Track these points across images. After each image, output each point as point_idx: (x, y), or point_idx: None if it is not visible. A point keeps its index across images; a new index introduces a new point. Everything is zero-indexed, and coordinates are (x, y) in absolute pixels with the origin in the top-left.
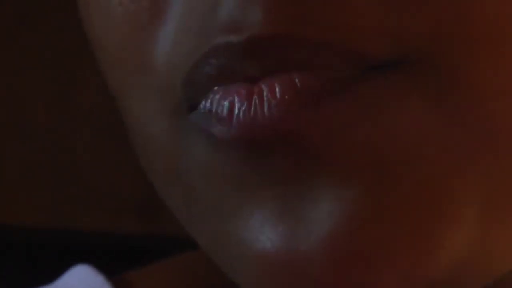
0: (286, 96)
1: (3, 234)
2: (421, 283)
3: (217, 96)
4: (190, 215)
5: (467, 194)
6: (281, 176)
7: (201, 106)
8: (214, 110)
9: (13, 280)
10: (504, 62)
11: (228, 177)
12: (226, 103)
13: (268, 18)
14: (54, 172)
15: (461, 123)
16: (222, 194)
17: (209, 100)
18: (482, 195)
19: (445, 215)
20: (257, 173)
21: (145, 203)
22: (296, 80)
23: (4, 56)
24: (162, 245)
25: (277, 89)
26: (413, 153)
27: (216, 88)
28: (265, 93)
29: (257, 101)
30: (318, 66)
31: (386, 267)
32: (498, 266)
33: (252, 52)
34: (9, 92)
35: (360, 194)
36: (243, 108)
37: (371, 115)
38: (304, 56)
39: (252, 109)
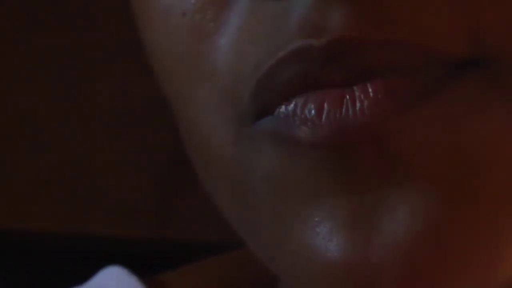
0: (380, 96)
1: (15, 240)
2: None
3: (302, 100)
4: (246, 218)
5: None
6: (358, 182)
7: (280, 110)
8: (299, 112)
9: (22, 285)
10: None
11: (298, 183)
12: (313, 105)
13: (349, 20)
14: (66, 177)
15: None
16: (288, 200)
17: (291, 104)
18: None
19: None
20: (332, 178)
21: (157, 208)
22: (387, 82)
23: (16, 62)
24: (173, 250)
25: (370, 90)
26: (498, 160)
27: (296, 93)
28: (357, 93)
29: (349, 102)
30: (403, 68)
31: (463, 275)
32: None
33: (334, 56)
34: (20, 98)
35: (441, 206)
36: (333, 109)
37: (459, 120)
38: (388, 59)
39: (344, 109)
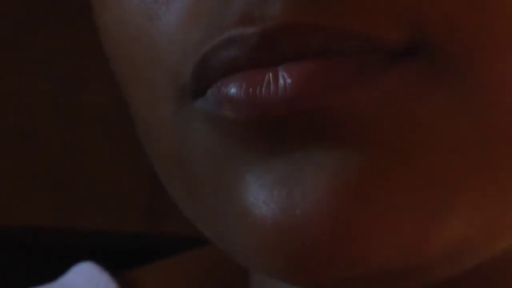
0: (304, 76)
1: (8, 234)
2: (415, 258)
3: (228, 81)
4: (192, 198)
5: (476, 182)
6: (286, 147)
7: (211, 91)
8: (222, 92)
9: (19, 280)
10: None
11: (232, 154)
12: (234, 84)
13: (286, 8)
14: (59, 172)
15: (478, 113)
16: (223, 170)
17: (220, 85)
18: (491, 183)
19: (453, 199)
20: (260, 146)
21: (151, 203)
22: (316, 65)
23: (7, 57)
24: (167, 244)
25: (295, 69)
26: (430, 137)
27: (226, 75)
28: (280, 73)
29: (271, 80)
30: (336, 54)
31: (381, 237)
32: (497, 246)
33: (268, 42)
34: (13, 93)
35: (366, 164)
36: (253, 87)
37: (394, 102)
38: (323, 45)
39: (264, 87)
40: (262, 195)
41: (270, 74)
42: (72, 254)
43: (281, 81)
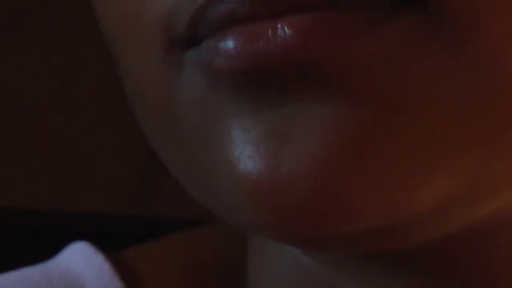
0: (304, 26)
1: (3, 217)
2: (402, 215)
3: (225, 33)
4: (180, 153)
5: (466, 143)
6: (279, 99)
7: (206, 42)
8: (220, 43)
9: (13, 262)
10: None
11: (220, 105)
12: (233, 36)
13: None
14: (53, 157)
15: (475, 73)
16: (211, 120)
17: (216, 38)
18: (481, 144)
19: (442, 157)
20: (250, 98)
21: (143, 186)
22: (316, 16)
23: (3, 44)
24: (159, 227)
25: (295, 21)
26: (422, 96)
27: (224, 28)
28: (280, 26)
29: (270, 32)
30: (336, 6)
31: (368, 192)
32: (480, 208)
33: None
34: (10, 79)
35: (361, 120)
36: (251, 39)
37: (394, 57)
38: None
39: (263, 39)
40: (248, 149)
41: (269, 27)
42: (66, 236)
43: (280, 32)
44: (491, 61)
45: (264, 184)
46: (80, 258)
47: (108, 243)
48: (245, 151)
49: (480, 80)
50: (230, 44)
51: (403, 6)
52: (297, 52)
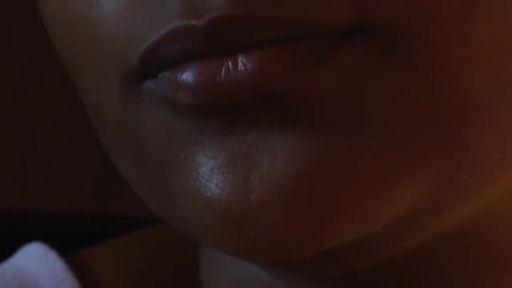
0: (264, 60)
1: None
2: (365, 231)
3: (183, 68)
4: (143, 178)
5: (426, 157)
6: (244, 127)
7: (163, 75)
8: (178, 78)
9: None
10: (468, 35)
11: (185, 132)
12: (192, 71)
13: (228, 0)
14: (12, 156)
15: (426, 90)
16: (175, 149)
17: (174, 72)
18: (441, 158)
19: (405, 178)
20: (216, 125)
21: (101, 185)
22: (274, 51)
23: None
24: (117, 226)
25: (254, 56)
26: (383, 117)
27: (180, 63)
28: (240, 59)
29: (230, 66)
30: (287, 40)
31: (333, 218)
32: (444, 219)
33: (214, 34)
34: None
35: (320, 146)
36: (212, 73)
37: (350, 83)
38: (271, 33)
39: (224, 75)
40: (215, 177)
41: (229, 62)
42: (24, 236)
43: (241, 67)
44: (442, 79)
45: (233, 212)
46: (33, 257)
47: (67, 242)
48: (212, 179)
49: (434, 98)
50: (189, 78)
51: (352, 34)
52: (260, 85)
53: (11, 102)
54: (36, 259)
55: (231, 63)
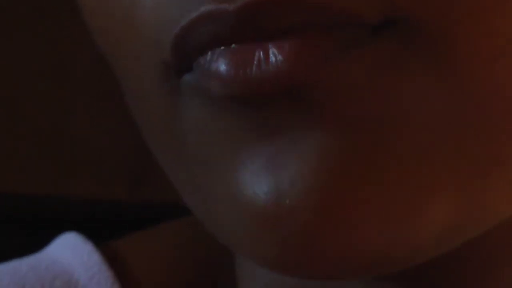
0: (295, 52)
1: None
2: (403, 245)
3: (215, 55)
4: (182, 174)
5: (459, 163)
6: (275, 128)
7: (197, 65)
8: (212, 67)
9: (4, 248)
10: (493, 30)
11: (221, 132)
12: (225, 60)
13: None
14: (43, 141)
15: (456, 91)
16: (214, 149)
17: (206, 59)
18: (473, 164)
19: (435, 182)
20: (250, 126)
21: (137, 172)
22: (304, 38)
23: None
24: (152, 213)
25: (285, 46)
26: (410, 117)
27: (210, 49)
28: (271, 51)
29: (262, 56)
30: (319, 27)
31: (369, 224)
32: (482, 227)
33: (246, 19)
34: (7, 60)
35: (348, 149)
36: (244, 64)
37: (374, 78)
38: (302, 19)
39: (255, 64)
40: (250, 181)
41: (261, 52)
42: (59, 223)
43: (272, 58)
44: (470, 77)
45: (269, 216)
46: (68, 248)
47: (101, 229)
48: (247, 183)
49: (463, 97)
50: (222, 68)
51: (382, 27)
52: (289, 78)
53: (38, 82)
54: (71, 250)
55: (263, 54)
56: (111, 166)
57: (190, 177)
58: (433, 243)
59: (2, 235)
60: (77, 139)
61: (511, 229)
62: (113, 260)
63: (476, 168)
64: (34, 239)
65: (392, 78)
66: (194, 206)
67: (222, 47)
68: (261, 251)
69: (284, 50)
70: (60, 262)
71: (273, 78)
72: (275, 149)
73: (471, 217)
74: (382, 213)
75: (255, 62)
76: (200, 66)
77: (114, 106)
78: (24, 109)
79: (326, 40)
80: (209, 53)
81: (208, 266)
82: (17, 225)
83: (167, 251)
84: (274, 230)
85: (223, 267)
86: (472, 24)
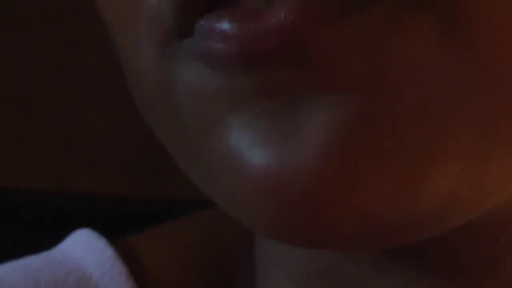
0: (299, 6)
1: (6, 197)
2: (406, 214)
3: (218, 15)
4: (182, 142)
5: (464, 128)
6: (277, 90)
7: (198, 25)
8: (214, 26)
9: (15, 243)
10: None
11: (217, 92)
12: (227, 18)
13: None
14: (58, 136)
15: (463, 53)
16: (214, 112)
17: (208, 20)
18: (480, 129)
19: (440, 147)
20: (251, 87)
21: (147, 167)
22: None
23: (3, 22)
24: (163, 208)
25: (286, 3)
26: (415, 79)
27: (213, 9)
28: (276, 5)
29: (265, 13)
30: None
31: (373, 190)
32: (486, 202)
33: None
34: (11, 59)
35: (355, 113)
36: (247, 21)
37: (379, 39)
38: None
39: (259, 21)
40: (253, 142)
41: (265, 8)
42: (71, 218)
43: (275, 13)
44: (482, 36)
45: (270, 180)
46: (81, 244)
47: (113, 225)
48: (250, 144)
49: (472, 58)
50: (224, 26)
51: None
52: (292, 33)
53: (46, 77)
54: (84, 246)
55: (266, 10)
56: (122, 162)
57: (190, 145)
58: (435, 215)
59: (12, 229)
60: (91, 134)
61: None
62: (126, 256)
63: (480, 140)
64: (44, 237)
65: (397, 34)
66: (196, 177)
67: (226, 8)
68: (261, 218)
69: (288, 5)
70: (74, 258)
71: (276, 31)
72: (276, 111)
73: (472, 190)
74: (386, 179)
75: (258, 18)
76: (202, 27)
77: (128, 100)
78: (35, 107)
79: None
80: (213, 14)
81: (222, 261)
82: (26, 220)
83: (181, 247)
84: (275, 196)
85: (240, 260)
86: None
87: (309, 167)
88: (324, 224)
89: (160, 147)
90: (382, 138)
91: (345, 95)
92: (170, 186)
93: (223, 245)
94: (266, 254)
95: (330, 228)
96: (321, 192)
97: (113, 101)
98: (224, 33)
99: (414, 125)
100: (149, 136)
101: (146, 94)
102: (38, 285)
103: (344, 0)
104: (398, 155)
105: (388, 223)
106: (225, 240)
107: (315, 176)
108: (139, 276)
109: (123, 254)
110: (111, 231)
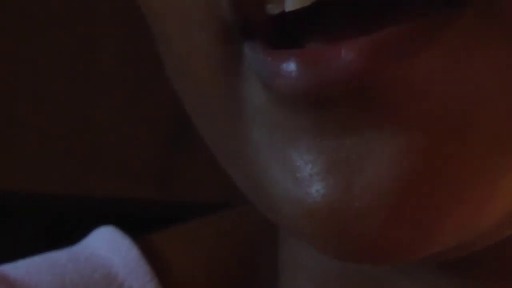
0: (366, 49)
1: (21, 201)
2: (473, 232)
3: (281, 54)
4: (236, 153)
5: None
6: (338, 127)
7: (263, 61)
8: (281, 67)
9: (31, 246)
10: None
11: (281, 122)
12: (294, 59)
13: None
14: (71, 139)
15: None
16: (272, 136)
17: (272, 58)
18: None
19: (507, 169)
20: (312, 123)
21: (160, 170)
22: (375, 38)
23: (18, 23)
24: (177, 212)
25: (355, 45)
26: (485, 108)
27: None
28: (342, 49)
29: (330, 57)
30: (382, 26)
31: (449, 222)
32: None
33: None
34: (25, 59)
35: (428, 146)
36: (313, 65)
37: (455, 69)
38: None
39: (325, 64)
40: (315, 183)
41: (331, 50)
42: (84, 221)
43: (343, 56)
44: None
45: (336, 220)
46: (106, 241)
47: (125, 227)
48: (312, 185)
49: None
50: (290, 67)
51: (458, 5)
52: (360, 78)
53: (63, 77)
54: (109, 244)
55: (332, 53)
56: (138, 166)
57: (244, 157)
58: (496, 229)
59: (26, 232)
60: (102, 138)
61: None
62: (150, 255)
63: None
64: (59, 238)
65: (468, 59)
66: (246, 191)
67: (293, 49)
68: (329, 251)
69: (354, 49)
70: (99, 255)
71: (344, 77)
72: (341, 151)
73: None
74: (461, 205)
75: (325, 60)
76: (267, 65)
77: (143, 102)
78: (50, 110)
79: (399, 35)
80: (276, 52)
81: (245, 262)
82: (41, 223)
83: (205, 247)
84: (343, 233)
85: (262, 262)
86: None
87: (381, 204)
88: (391, 253)
89: (173, 150)
90: (455, 173)
91: (415, 129)
92: (181, 189)
93: (245, 246)
94: (291, 258)
95: (403, 256)
96: (393, 228)
97: (129, 104)
98: (290, 75)
99: (485, 153)
100: (160, 139)
101: (198, 96)
102: (64, 281)
103: (412, 33)
104: (471, 184)
105: (455, 243)
106: (247, 241)
107: (388, 213)
108: (163, 275)
109: (147, 253)
110: (127, 232)
